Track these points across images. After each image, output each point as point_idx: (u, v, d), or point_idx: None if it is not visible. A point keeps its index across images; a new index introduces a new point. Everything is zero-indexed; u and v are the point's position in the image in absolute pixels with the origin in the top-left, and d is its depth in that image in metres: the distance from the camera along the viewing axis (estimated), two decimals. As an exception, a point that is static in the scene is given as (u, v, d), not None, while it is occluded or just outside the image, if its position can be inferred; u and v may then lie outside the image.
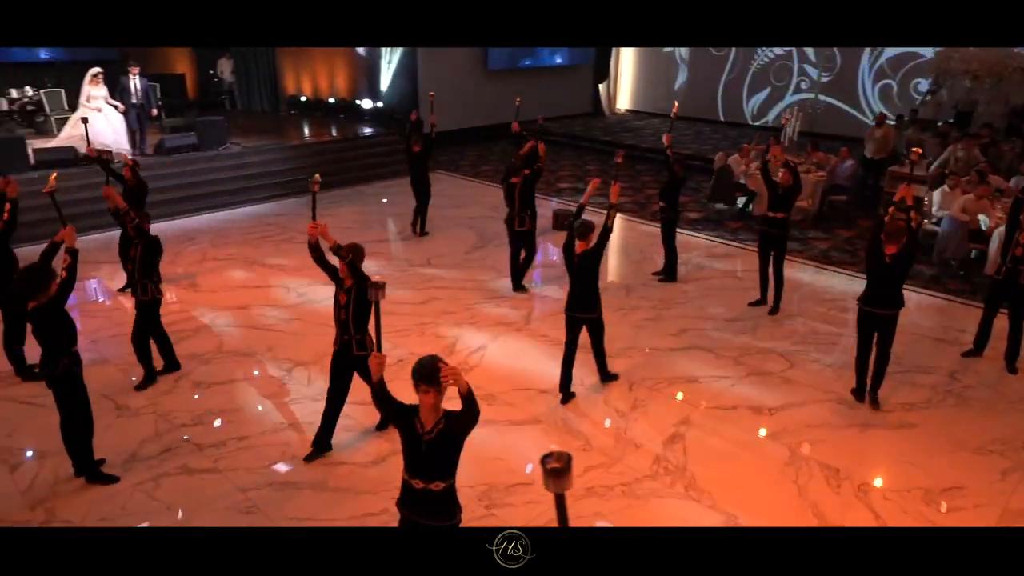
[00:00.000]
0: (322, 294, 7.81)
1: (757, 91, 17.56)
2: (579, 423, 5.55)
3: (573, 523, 4.38)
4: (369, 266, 8.67)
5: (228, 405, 5.72)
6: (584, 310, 5.66)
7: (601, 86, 19.52)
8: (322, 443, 5.07)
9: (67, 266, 4.57)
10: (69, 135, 11.02)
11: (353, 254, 4.76)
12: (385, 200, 11.91)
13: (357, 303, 4.79)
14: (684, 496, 4.73)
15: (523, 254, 8.15)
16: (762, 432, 5.46)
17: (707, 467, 5.03)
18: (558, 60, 18.04)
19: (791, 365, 6.51)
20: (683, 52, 18.74)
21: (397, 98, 15.30)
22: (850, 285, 8.28)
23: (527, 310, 7.57)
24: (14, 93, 13.55)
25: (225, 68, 16.23)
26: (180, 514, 4.48)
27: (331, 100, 16.06)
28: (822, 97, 16.47)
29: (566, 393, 5.83)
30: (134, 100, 11.15)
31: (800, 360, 6.59)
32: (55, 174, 5.31)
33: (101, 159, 7.72)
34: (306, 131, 14.59)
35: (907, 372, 6.41)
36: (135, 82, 11.18)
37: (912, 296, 8.12)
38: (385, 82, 15.48)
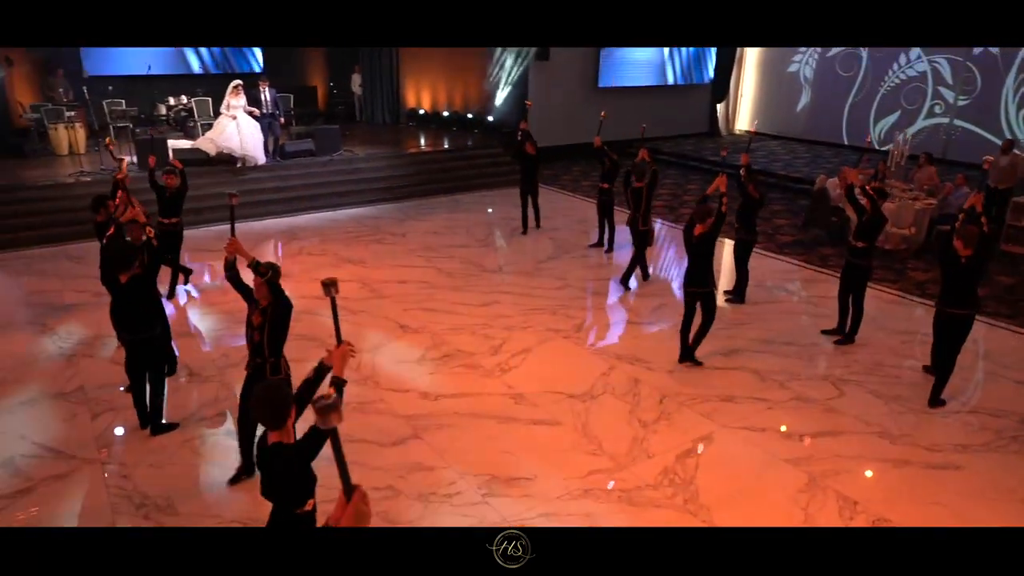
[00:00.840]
0: (391, 291, 8.34)
1: (886, 114, 16.54)
2: (598, 427, 5.63)
3: (563, 521, 4.53)
4: (444, 267, 9.20)
5: (282, 381, 6.30)
6: (699, 285, 6.43)
7: (719, 106, 19.13)
8: (247, 466, 4.85)
9: (154, 235, 5.32)
10: (206, 137, 12.33)
11: (272, 271, 4.43)
12: (491, 210, 12.32)
13: (273, 325, 4.45)
14: (681, 508, 4.71)
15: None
16: (785, 456, 5.29)
17: (714, 483, 4.97)
18: (672, 79, 17.91)
19: (841, 394, 6.22)
20: (807, 72, 18.02)
21: (507, 113, 15.82)
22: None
23: (581, 320, 7.69)
24: (172, 100, 15.33)
25: (355, 81, 17.49)
26: (212, 468, 5.04)
27: (445, 113, 16.87)
28: (958, 122, 15.28)
29: (683, 357, 6.67)
30: (265, 110, 12.29)
31: (853, 390, 6.28)
32: (126, 161, 6.14)
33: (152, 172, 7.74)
34: (421, 142, 15.42)
35: (973, 412, 5.95)
36: (266, 94, 12.34)
37: (1010, 336, 7.49)
38: (499, 98, 16.06)
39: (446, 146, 14.89)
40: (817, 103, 17.90)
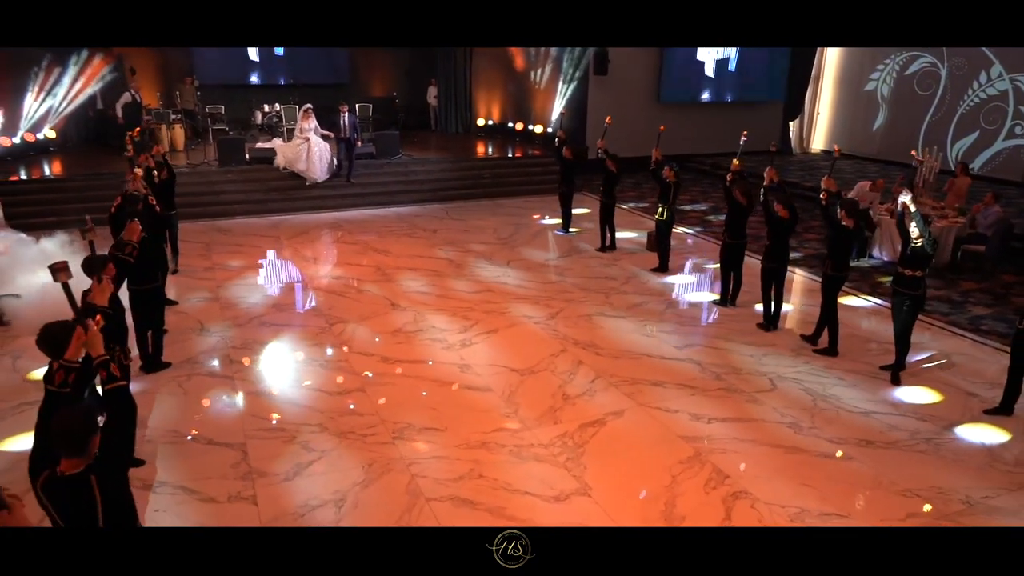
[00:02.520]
0: (399, 276, 9.24)
1: (964, 134, 15.82)
2: (522, 396, 6.21)
3: (451, 464, 5.16)
4: (456, 259, 10.00)
5: (271, 339, 7.30)
6: (775, 261, 7.50)
7: (792, 124, 18.88)
8: None
9: (155, 202, 6.54)
10: (280, 149, 13.64)
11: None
12: (547, 217, 12.91)
13: None
14: (560, 466, 5.22)
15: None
16: (683, 434, 5.66)
17: (603, 448, 5.44)
18: (740, 95, 17.91)
19: (772, 388, 6.45)
20: (884, 90, 17.49)
21: (566, 125, 16.47)
22: (931, 340, 7.35)
23: (557, 310, 8.24)
24: (266, 108, 17.12)
25: (430, 93, 18.74)
26: (190, 399, 6.05)
27: (509, 124, 17.76)
28: (1039, 144, 14.43)
29: (765, 325, 7.75)
30: (343, 135, 13.41)
31: (787, 386, 6.49)
32: (121, 110, 7.31)
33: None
34: (480, 150, 16.38)
35: (901, 416, 6.03)
36: (344, 119, 13.54)
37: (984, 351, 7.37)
38: (557, 111, 16.76)
39: (509, 154, 15.76)
40: (893, 122, 17.33)
